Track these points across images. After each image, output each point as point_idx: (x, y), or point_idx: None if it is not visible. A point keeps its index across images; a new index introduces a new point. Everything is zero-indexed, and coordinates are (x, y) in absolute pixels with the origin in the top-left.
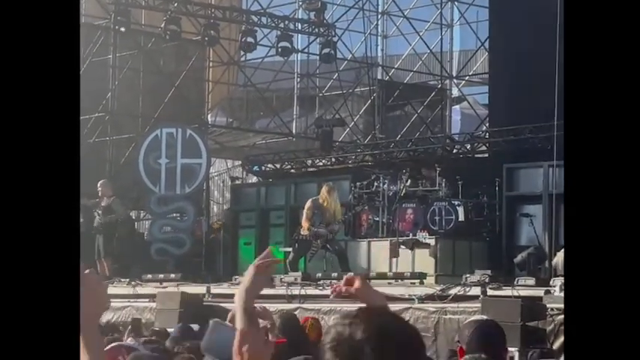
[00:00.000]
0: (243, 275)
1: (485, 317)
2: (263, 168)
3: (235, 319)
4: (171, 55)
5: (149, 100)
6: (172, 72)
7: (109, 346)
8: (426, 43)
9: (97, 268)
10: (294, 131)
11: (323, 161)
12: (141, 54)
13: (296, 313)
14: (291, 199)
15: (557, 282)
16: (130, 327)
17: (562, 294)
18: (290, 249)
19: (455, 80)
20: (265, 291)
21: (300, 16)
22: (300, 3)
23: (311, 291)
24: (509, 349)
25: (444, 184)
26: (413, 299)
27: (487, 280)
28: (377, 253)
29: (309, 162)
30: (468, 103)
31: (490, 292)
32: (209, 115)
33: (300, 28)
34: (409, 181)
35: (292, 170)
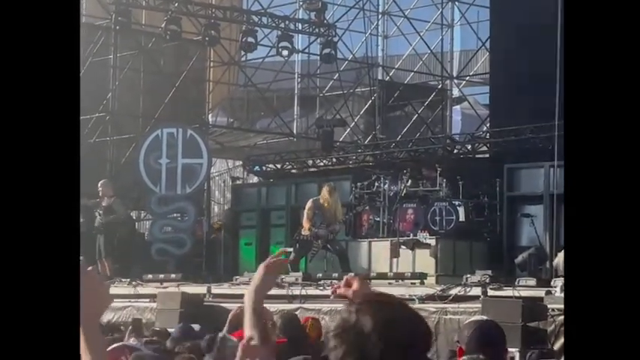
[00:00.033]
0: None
1: (485, 318)
2: (264, 168)
3: (243, 319)
4: (171, 55)
5: (150, 100)
6: (173, 72)
7: (112, 347)
8: (426, 44)
9: (97, 267)
10: (294, 131)
11: (324, 161)
12: (141, 54)
13: (297, 313)
14: (292, 199)
15: (558, 282)
16: (130, 327)
17: (563, 294)
18: (291, 249)
19: (455, 80)
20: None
21: (300, 16)
22: (301, 3)
23: (312, 291)
24: (510, 349)
25: (444, 185)
26: (413, 299)
27: (488, 281)
28: (377, 253)
29: (310, 162)
30: (469, 103)
31: (491, 292)
32: (210, 115)
33: (300, 28)
34: (410, 181)
35: (293, 170)
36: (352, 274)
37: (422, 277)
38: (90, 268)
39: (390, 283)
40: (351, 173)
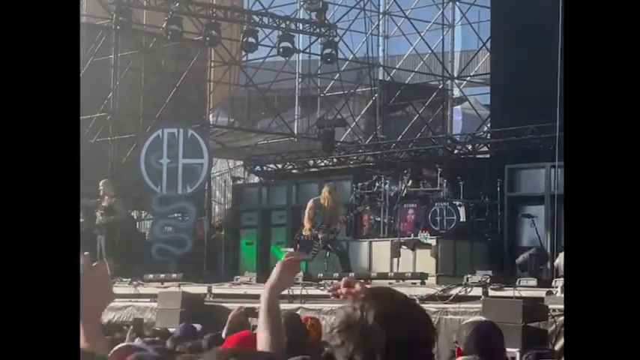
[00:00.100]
0: (244, 275)
1: (483, 318)
2: (264, 168)
3: (243, 320)
4: (172, 55)
5: (150, 100)
6: (174, 72)
7: (117, 347)
8: (427, 44)
9: (105, 264)
10: (295, 131)
11: (324, 161)
12: (142, 54)
13: (297, 312)
14: (293, 199)
15: (559, 283)
16: (131, 327)
17: (564, 295)
18: (291, 249)
19: (456, 80)
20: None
21: (301, 17)
22: (302, 3)
23: (312, 291)
24: (511, 350)
25: (445, 185)
26: (414, 299)
27: (488, 281)
28: (378, 253)
29: (311, 162)
30: (470, 103)
31: (491, 292)
32: (210, 115)
33: (301, 28)
34: (410, 181)
35: (294, 170)
36: (352, 274)
37: (422, 277)
38: (95, 264)
39: (390, 283)
40: (351, 173)
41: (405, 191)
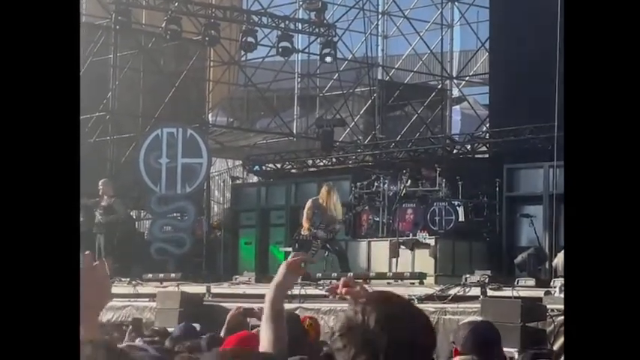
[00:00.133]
0: (243, 275)
1: (480, 318)
2: (263, 168)
3: (241, 320)
4: (171, 54)
5: (150, 100)
6: (173, 72)
7: (120, 347)
8: (426, 44)
9: (104, 263)
10: (294, 131)
11: (323, 161)
12: (141, 54)
13: (296, 312)
14: (292, 199)
15: (558, 283)
16: (130, 327)
17: (562, 295)
18: (290, 249)
19: (455, 80)
20: (265, 290)
21: (300, 16)
22: (301, 3)
23: (311, 291)
24: (509, 350)
25: (444, 185)
26: (412, 299)
27: (487, 281)
28: (377, 253)
29: (310, 162)
30: (469, 103)
31: (490, 292)
32: (210, 115)
33: (300, 28)
34: (409, 181)
35: (293, 170)
36: (351, 273)
37: (421, 277)
38: (97, 263)
39: (389, 283)
40: (350, 173)
41: (403, 191)
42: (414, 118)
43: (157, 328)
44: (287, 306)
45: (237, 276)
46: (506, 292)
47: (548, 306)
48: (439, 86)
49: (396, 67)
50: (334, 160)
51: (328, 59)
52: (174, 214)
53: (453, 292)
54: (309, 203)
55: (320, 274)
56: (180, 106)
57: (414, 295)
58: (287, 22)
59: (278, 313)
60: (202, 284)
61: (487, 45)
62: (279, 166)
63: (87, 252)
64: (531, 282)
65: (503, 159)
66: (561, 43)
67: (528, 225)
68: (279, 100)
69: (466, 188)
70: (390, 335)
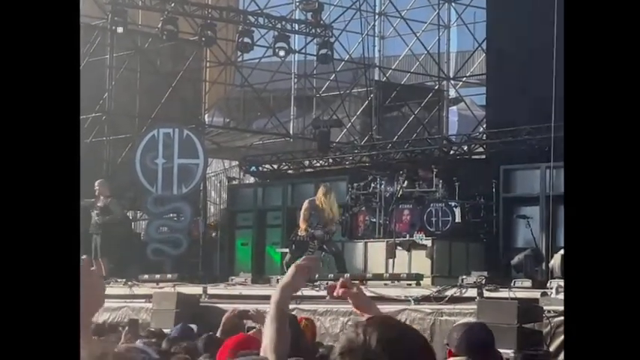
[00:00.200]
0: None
1: (474, 320)
2: (260, 168)
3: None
4: (168, 55)
5: (146, 100)
6: (169, 72)
7: (119, 348)
8: (423, 44)
9: (101, 267)
10: (291, 132)
11: (320, 162)
12: (138, 54)
13: (292, 313)
14: (288, 199)
15: (554, 284)
16: (127, 328)
17: (558, 296)
18: (287, 250)
19: (452, 81)
20: (261, 291)
21: (297, 17)
22: (297, 4)
23: (307, 292)
24: (506, 351)
25: (440, 186)
26: (409, 300)
27: (483, 282)
28: (373, 254)
29: (307, 163)
30: (465, 104)
31: (486, 293)
32: (206, 116)
33: (297, 28)
34: (406, 182)
35: (289, 171)
36: (348, 274)
37: (418, 278)
38: (93, 268)
39: (385, 284)
40: (347, 174)
41: (400, 192)
42: (411, 118)
43: (153, 329)
44: None
45: (233, 277)
46: (503, 294)
47: (544, 307)
48: (436, 87)
49: (393, 67)
50: (331, 160)
51: (325, 60)
52: (171, 215)
53: (449, 293)
54: (305, 204)
55: (317, 275)
56: (176, 107)
57: (411, 296)
58: (283, 22)
59: (283, 314)
60: (199, 285)
61: (484, 46)
62: (275, 166)
63: (83, 256)
64: (528, 283)
65: (500, 160)
66: (559, 44)
67: (525, 226)
68: (276, 101)
69: (463, 189)
70: (390, 356)
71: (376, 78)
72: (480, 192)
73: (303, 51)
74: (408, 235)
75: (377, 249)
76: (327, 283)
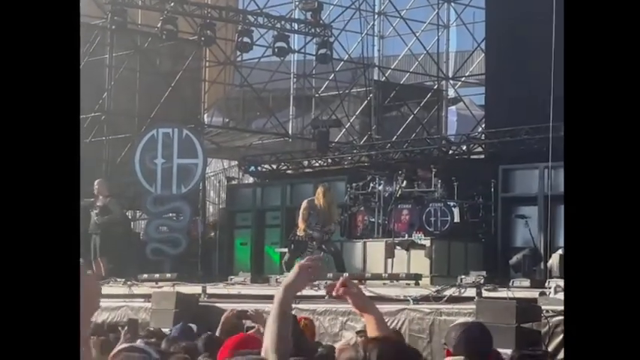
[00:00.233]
0: (238, 275)
1: (471, 320)
2: (259, 168)
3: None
4: (167, 54)
5: (145, 100)
6: (169, 72)
7: (119, 348)
8: (422, 44)
9: (92, 267)
10: (290, 132)
11: (319, 162)
12: (137, 54)
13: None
14: (287, 199)
15: (553, 284)
16: (126, 327)
17: (557, 296)
18: (286, 250)
19: (451, 81)
20: (261, 291)
21: (296, 17)
22: (297, 3)
23: (306, 291)
24: (504, 350)
25: (439, 185)
26: (408, 300)
27: (482, 282)
28: (372, 253)
29: (306, 162)
30: (464, 104)
31: (485, 293)
32: (205, 115)
33: (296, 28)
34: (405, 182)
35: (288, 171)
36: (346, 274)
37: (417, 277)
38: (89, 272)
39: (384, 284)
40: (346, 174)
41: (399, 192)
42: (410, 118)
43: (152, 329)
44: None
45: (232, 276)
46: (502, 293)
47: (543, 307)
48: (435, 87)
49: (392, 67)
50: (330, 160)
51: (324, 60)
52: (170, 215)
53: (448, 293)
54: (304, 204)
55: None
56: (175, 107)
57: (410, 296)
58: (283, 22)
59: (285, 314)
60: (198, 285)
61: (483, 45)
62: (274, 166)
63: (81, 260)
64: (526, 283)
65: (498, 160)
66: (557, 44)
67: (523, 226)
68: (275, 101)
69: (462, 189)
70: None
71: (375, 78)
72: (479, 192)
73: (302, 51)
74: (406, 235)
75: (376, 249)
76: (326, 283)
